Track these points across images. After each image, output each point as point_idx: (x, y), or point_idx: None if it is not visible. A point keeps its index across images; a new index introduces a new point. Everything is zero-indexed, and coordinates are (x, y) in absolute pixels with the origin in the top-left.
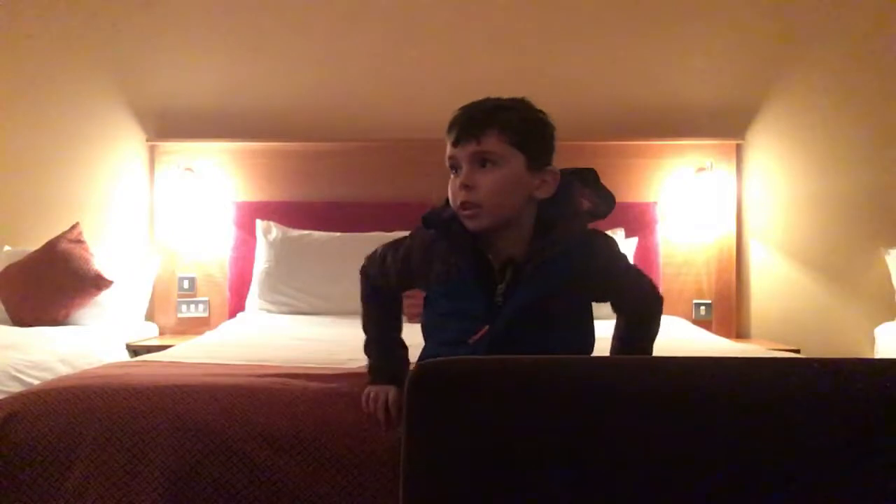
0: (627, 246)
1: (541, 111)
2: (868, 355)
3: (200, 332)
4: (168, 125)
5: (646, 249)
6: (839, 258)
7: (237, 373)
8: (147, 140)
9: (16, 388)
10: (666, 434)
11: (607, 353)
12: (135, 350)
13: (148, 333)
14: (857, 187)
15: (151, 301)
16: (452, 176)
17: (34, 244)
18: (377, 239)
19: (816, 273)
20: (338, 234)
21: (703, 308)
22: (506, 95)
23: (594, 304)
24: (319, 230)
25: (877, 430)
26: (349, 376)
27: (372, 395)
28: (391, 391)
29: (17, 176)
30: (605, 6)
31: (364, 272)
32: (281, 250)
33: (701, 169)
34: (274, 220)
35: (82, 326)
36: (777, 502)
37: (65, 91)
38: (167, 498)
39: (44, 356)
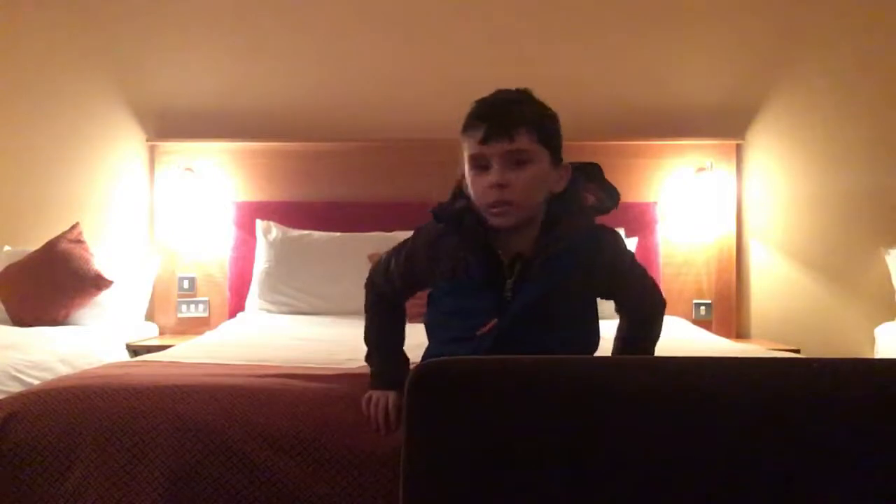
0: (628, 246)
1: (546, 104)
2: (868, 355)
3: (200, 332)
4: (168, 125)
5: (646, 249)
6: (839, 258)
7: (237, 373)
8: (147, 140)
9: (16, 388)
10: (666, 434)
11: (609, 354)
12: (135, 350)
13: (148, 333)
14: (857, 187)
15: (151, 301)
16: (475, 173)
17: (34, 244)
18: (377, 239)
19: (816, 273)
20: (338, 234)
21: (703, 308)
22: None
23: (599, 301)
24: (319, 230)
25: (877, 430)
26: (349, 377)
27: (373, 399)
28: (391, 396)
29: (17, 176)
30: (605, 6)
31: (369, 282)
32: (281, 250)
33: (701, 169)
34: (274, 220)
35: (82, 326)
36: (777, 502)
37: (65, 91)
38: (167, 498)
39: (44, 356)
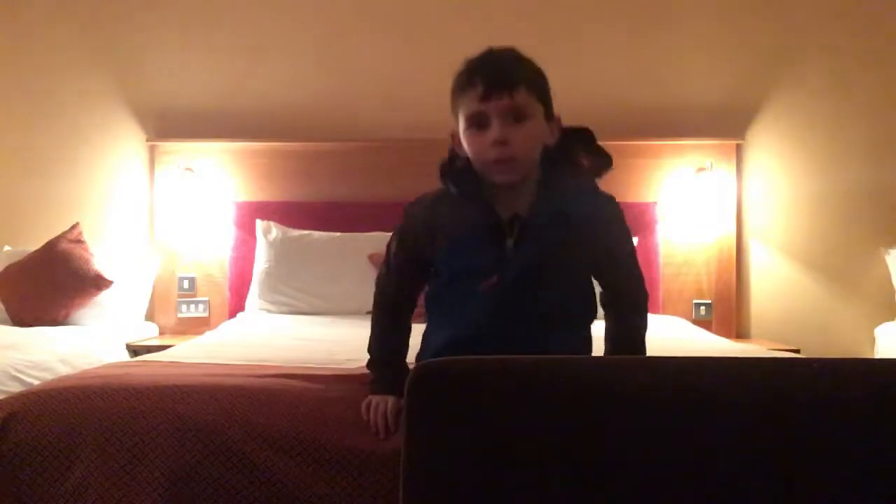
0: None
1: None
2: (868, 355)
3: (200, 332)
4: (168, 125)
5: (646, 249)
6: (839, 258)
7: (237, 373)
8: (147, 140)
9: (16, 388)
10: (666, 434)
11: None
12: (135, 350)
13: (148, 333)
14: (857, 187)
15: (151, 301)
16: (473, 132)
17: (34, 244)
18: (377, 239)
19: (816, 273)
20: (338, 234)
21: (703, 308)
22: None
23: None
24: (319, 230)
25: (877, 430)
26: (349, 377)
27: (372, 403)
28: (390, 400)
29: (17, 176)
30: (604, 6)
31: (377, 278)
32: (281, 250)
33: (701, 169)
34: (274, 220)
35: (82, 326)
36: (777, 502)
37: (65, 91)
38: (167, 498)
39: (44, 356)
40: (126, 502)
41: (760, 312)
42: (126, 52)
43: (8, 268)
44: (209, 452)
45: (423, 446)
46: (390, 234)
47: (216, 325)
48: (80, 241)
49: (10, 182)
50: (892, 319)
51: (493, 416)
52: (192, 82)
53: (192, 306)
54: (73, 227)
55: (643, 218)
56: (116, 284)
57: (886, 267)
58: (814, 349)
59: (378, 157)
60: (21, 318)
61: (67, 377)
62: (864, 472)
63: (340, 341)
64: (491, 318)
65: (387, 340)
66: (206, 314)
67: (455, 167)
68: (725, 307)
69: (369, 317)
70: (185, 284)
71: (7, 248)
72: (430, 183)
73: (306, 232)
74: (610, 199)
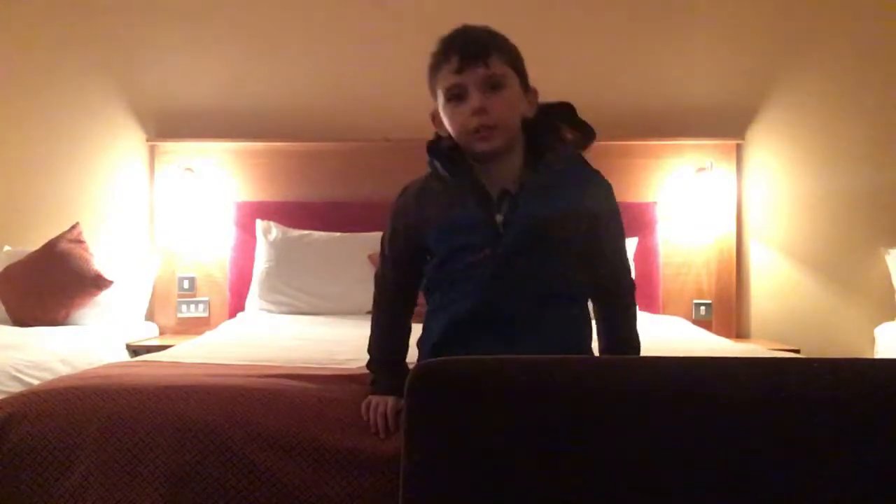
0: (627, 246)
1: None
2: (868, 355)
3: (200, 332)
4: (168, 125)
5: (646, 249)
6: (839, 258)
7: (237, 373)
8: (147, 140)
9: (16, 388)
10: (666, 434)
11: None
12: (135, 350)
13: (148, 333)
14: (857, 187)
15: (151, 301)
16: (452, 105)
17: (34, 244)
18: (377, 239)
19: (816, 273)
20: (338, 234)
21: (703, 308)
22: None
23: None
24: (319, 230)
25: (876, 430)
26: (349, 377)
27: (372, 403)
28: (390, 400)
29: (17, 176)
30: (605, 7)
31: (375, 277)
32: (281, 250)
33: (701, 169)
34: (274, 220)
35: (82, 326)
36: (777, 502)
37: (65, 91)
38: (167, 498)
39: (44, 356)
40: (126, 502)
41: (760, 312)
42: (126, 52)
43: (8, 268)
44: (209, 452)
45: (423, 446)
46: None
47: (216, 325)
48: (80, 241)
49: (10, 182)
50: (892, 319)
51: (493, 416)
52: (192, 82)
53: (192, 306)
54: (73, 227)
55: (643, 218)
56: (116, 284)
57: (886, 267)
58: (814, 349)
59: (378, 157)
60: (21, 318)
61: (67, 377)
62: (864, 471)
63: (340, 341)
64: (487, 294)
65: (386, 341)
66: (206, 314)
67: (441, 147)
68: (725, 307)
69: (369, 317)
70: (185, 284)
71: (7, 248)
72: None
73: (306, 232)
74: (605, 181)
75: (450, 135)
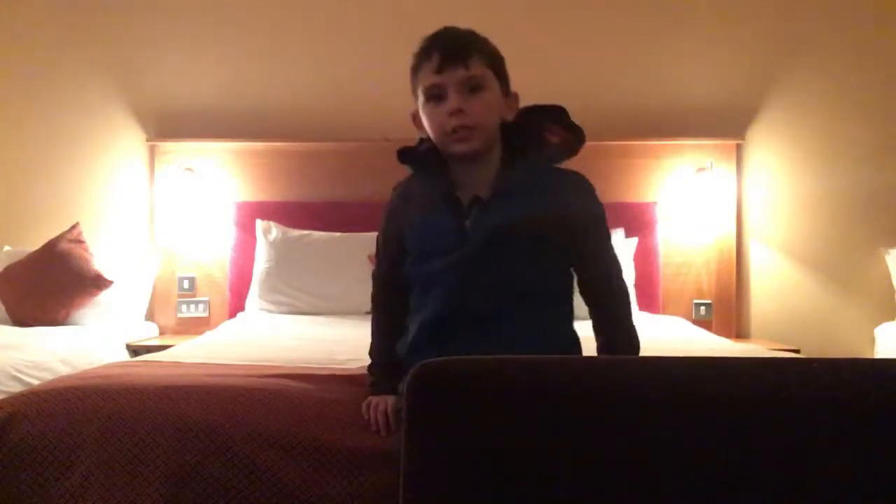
0: (627, 246)
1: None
2: (868, 355)
3: (200, 332)
4: (168, 125)
5: (646, 249)
6: (839, 258)
7: (237, 373)
8: (147, 140)
9: (16, 388)
10: (666, 434)
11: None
12: (135, 350)
13: (148, 333)
14: (857, 187)
15: (151, 301)
16: (431, 106)
17: (34, 244)
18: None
19: (816, 273)
20: (338, 234)
21: (703, 308)
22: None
23: (579, 306)
24: (319, 230)
25: (877, 430)
26: (349, 377)
27: (372, 403)
28: (390, 400)
29: (17, 176)
30: (604, 7)
31: (372, 276)
32: (281, 250)
33: (701, 169)
34: (274, 220)
35: (82, 326)
36: (776, 501)
37: (65, 91)
38: (167, 498)
39: (44, 356)
40: (127, 502)
41: (760, 312)
42: (126, 52)
43: (8, 268)
44: (209, 452)
45: (423, 446)
46: None
47: (216, 325)
48: (79, 241)
49: (10, 182)
50: (892, 319)
51: (492, 416)
52: (191, 82)
53: (192, 306)
54: (73, 227)
55: (643, 218)
56: (116, 284)
57: (886, 267)
58: (814, 349)
59: (378, 157)
60: (21, 318)
61: (67, 377)
62: (865, 471)
63: (340, 341)
64: (458, 297)
65: (385, 343)
66: (206, 314)
67: (419, 149)
68: (725, 307)
69: (369, 317)
70: (185, 284)
71: (7, 248)
72: None
73: (306, 232)
74: (582, 180)
75: (430, 136)
